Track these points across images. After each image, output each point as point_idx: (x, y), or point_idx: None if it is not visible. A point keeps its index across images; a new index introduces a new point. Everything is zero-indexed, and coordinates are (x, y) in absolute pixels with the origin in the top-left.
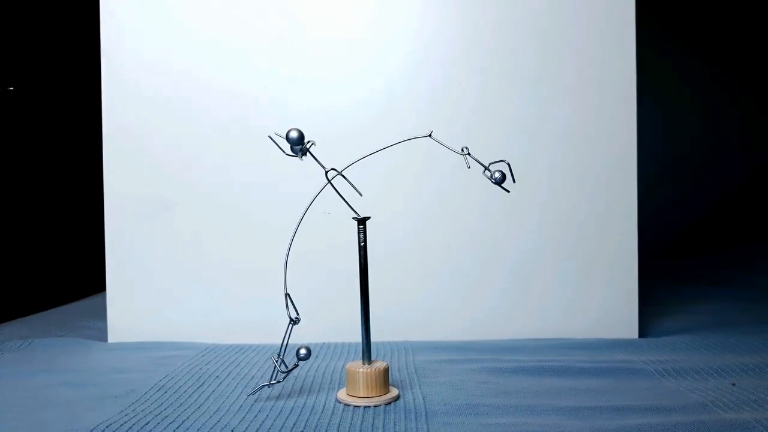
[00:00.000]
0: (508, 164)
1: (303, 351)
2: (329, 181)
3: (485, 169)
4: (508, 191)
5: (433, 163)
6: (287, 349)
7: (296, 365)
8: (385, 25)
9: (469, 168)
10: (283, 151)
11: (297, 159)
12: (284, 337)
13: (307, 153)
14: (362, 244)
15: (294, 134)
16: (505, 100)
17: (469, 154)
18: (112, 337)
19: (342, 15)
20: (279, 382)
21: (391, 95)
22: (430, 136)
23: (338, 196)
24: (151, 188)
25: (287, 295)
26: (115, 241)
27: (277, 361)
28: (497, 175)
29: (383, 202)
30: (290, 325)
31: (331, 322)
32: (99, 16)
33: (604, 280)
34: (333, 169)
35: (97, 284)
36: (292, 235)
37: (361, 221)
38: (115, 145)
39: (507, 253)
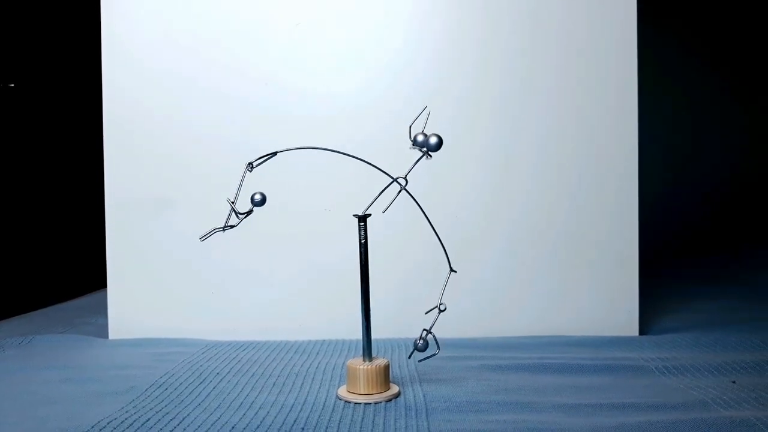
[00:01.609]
0: (438, 351)
1: (258, 196)
2: (396, 181)
3: (424, 331)
4: (409, 357)
5: (434, 161)
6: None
7: (251, 210)
8: (378, 20)
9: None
10: (413, 123)
11: (298, 153)
12: (240, 180)
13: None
14: (363, 241)
15: (434, 140)
16: (504, 98)
17: (442, 311)
18: (113, 333)
19: (345, 11)
20: (233, 226)
21: (385, 89)
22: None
23: (340, 192)
24: (152, 185)
25: (232, 200)
26: (116, 237)
27: (232, 204)
28: (420, 343)
29: (384, 199)
30: (246, 168)
31: (302, 323)
32: (100, 13)
33: (604, 277)
34: (404, 178)
35: (98, 281)
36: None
37: (362, 218)
38: (116, 142)
39: (508, 251)
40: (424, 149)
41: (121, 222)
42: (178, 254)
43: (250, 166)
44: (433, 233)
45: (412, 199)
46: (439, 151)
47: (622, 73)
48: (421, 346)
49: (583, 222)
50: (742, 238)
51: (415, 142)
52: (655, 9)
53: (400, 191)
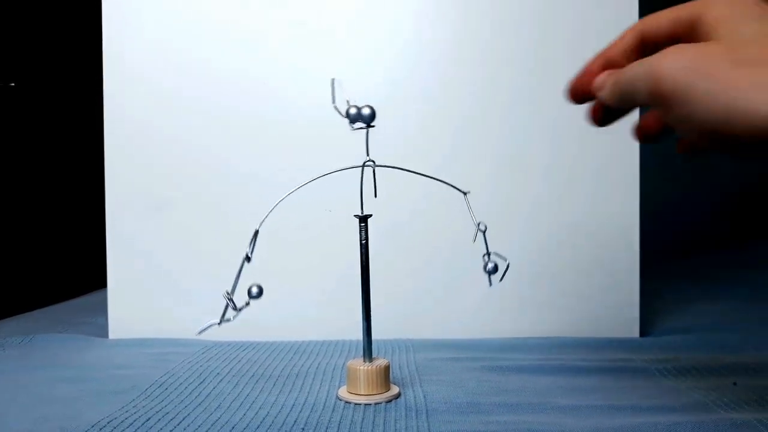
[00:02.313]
0: (508, 265)
1: (255, 289)
2: (363, 166)
3: (485, 254)
4: (490, 284)
5: (435, 160)
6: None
7: (247, 303)
8: (382, 20)
9: (473, 242)
10: (333, 101)
11: (299, 152)
12: (237, 274)
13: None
14: (363, 241)
15: (367, 111)
16: (504, 97)
17: (484, 232)
18: (113, 333)
19: (341, 8)
20: (229, 320)
21: (389, 91)
22: (465, 194)
23: (341, 192)
24: (152, 185)
25: (257, 231)
26: (117, 237)
27: (228, 299)
28: (491, 265)
29: (386, 199)
30: (243, 261)
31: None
32: (101, 11)
33: (605, 278)
34: (371, 160)
35: (98, 280)
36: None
37: (363, 219)
38: (116, 141)
39: (508, 251)
40: (363, 123)
41: (121, 221)
42: (178, 254)
43: (248, 259)
44: (428, 179)
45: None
46: (446, 151)
47: None
48: (492, 268)
49: (583, 222)
50: (745, 239)
51: (350, 118)
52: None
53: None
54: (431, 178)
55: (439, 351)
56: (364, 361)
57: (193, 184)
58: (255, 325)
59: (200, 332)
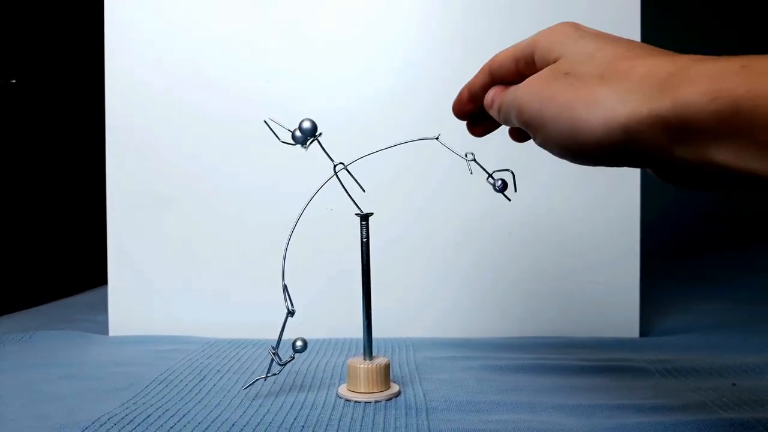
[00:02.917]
0: (512, 173)
1: (299, 343)
2: (336, 174)
3: (488, 177)
4: (509, 200)
5: (436, 160)
6: (283, 342)
7: (292, 357)
8: (389, 22)
9: (471, 173)
10: (277, 137)
11: (299, 151)
12: (281, 329)
13: (313, 143)
14: (365, 240)
15: (307, 124)
16: None
17: (474, 160)
18: (113, 330)
19: (345, 10)
20: (275, 374)
21: (394, 93)
22: (437, 139)
23: (342, 191)
24: (153, 182)
25: (285, 286)
26: (117, 234)
27: (273, 354)
28: (499, 183)
29: (386, 198)
30: (287, 317)
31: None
32: (103, 8)
33: (605, 279)
34: (341, 163)
35: (99, 277)
36: (292, 227)
37: (364, 217)
38: (117, 137)
39: (508, 250)
40: (308, 137)
41: (122, 219)
42: (179, 251)
43: (291, 314)
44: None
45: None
46: (448, 152)
47: None
48: (501, 185)
49: (583, 222)
50: (744, 240)
51: (298, 141)
52: (657, 9)
53: (331, 176)
54: (398, 144)
55: (439, 350)
56: (365, 359)
57: (193, 182)
58: (254, 323)
59: (246, 387)
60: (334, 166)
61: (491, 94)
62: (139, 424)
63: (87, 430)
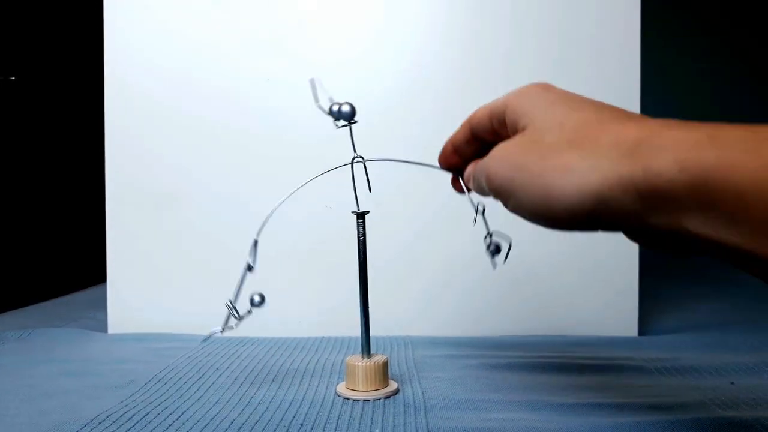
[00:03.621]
0: (510, 244)
1: (257, 298)
2: (351, 164)
3: (487, 235)
4: (494, 267)
5: (436, 158)
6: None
7: (249, 312)
8: (396, 24)
9: (474, 224)
10: (315, 100)
11: (298, 151)
12: (239, 282)
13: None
14: (361, 237)
15: (347, 108)
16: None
17: (483, 213)
18: (113, 328)
19: (351, 13)
20: (232, 328)
21: (401, 94)
22: (476, 207)
23: (341, 189)
24: (153, 179)
25: (256, 242)
26: (116, 231)
27: (230, 308)
28: (492, 247)
29: (385, 196)
30: (245, 271)
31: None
32: (102, 5)
33: (604, 277)
34: (360, 156)
35: (98, 275)
36: (282, 200)
37: (361, 215)
38: (117, 135)
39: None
40: (344, 120)
41: (121, 216)
42: (178, 249)
43: (250, 268)
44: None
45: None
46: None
47: (625, 67)
48: (494, 249)
49: None
50: None
51: (333, 115)
52: (657, 12)
53: (342, 165)
54: (420, 164)
55: (438, 348)
56: (363, 357)
57: (192, 180)
58: (254, 321)
59: (204, 340)
60: (353, 158)
61: (468, 169)
62: (138, 422)
63: (86, 427)
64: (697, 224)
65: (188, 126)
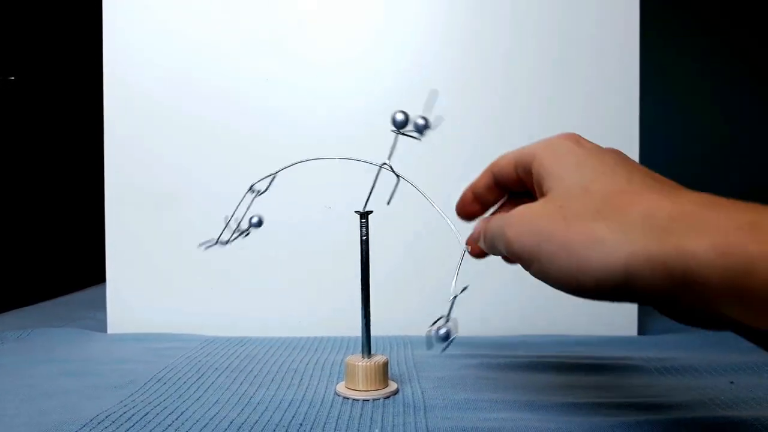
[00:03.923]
0: (452, 339)
1: (255, 219)
2: (379, 168)
3: (445, 317)
4: (428, 348)
5: (435, 158)
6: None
7: (248, 231)
8: (396, 25)
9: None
10: (429, 109)
11: (297, 152)
12: (240, 200)
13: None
14: (364, 238)
15: (400, 116)
16: (504, 95)
17: (462, 291)
18: (112, 328)
19: (351, 14)
20: (229, 241)
21: (401, 95)
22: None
23: (341, 189)
24: (152, 179)
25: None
26: (116, 231)
27: (228, 221)
28: (443, 330)
29: (385, 195)
30: (248, 192)
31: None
32: (101, 5)
33: None
34: (385, 163)
35: (98, 275)
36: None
37: (364, 215)
38: (116, 135)
39: None
40: (417, 132)
41: (120, 216)
42: (177, 249)
43: (256, 192)
44: (436, 211)
45: (409, 183)
46: (439, 154)
47: (624, 67)
48: (444, 334)
49: None
50: None
51: (417, 128)
52: (657, 12)
53: (397, 183)
54: (433, 205)
55: (438, 348)
56: (363, 357)
57: (192, 180)
58: (254, 321)
59: (202, 245)
60: (383, 164)
61: (478, 227)
62: (137, 422)
63: (85, 427)
64: (733, 310)
65: (188, 126)
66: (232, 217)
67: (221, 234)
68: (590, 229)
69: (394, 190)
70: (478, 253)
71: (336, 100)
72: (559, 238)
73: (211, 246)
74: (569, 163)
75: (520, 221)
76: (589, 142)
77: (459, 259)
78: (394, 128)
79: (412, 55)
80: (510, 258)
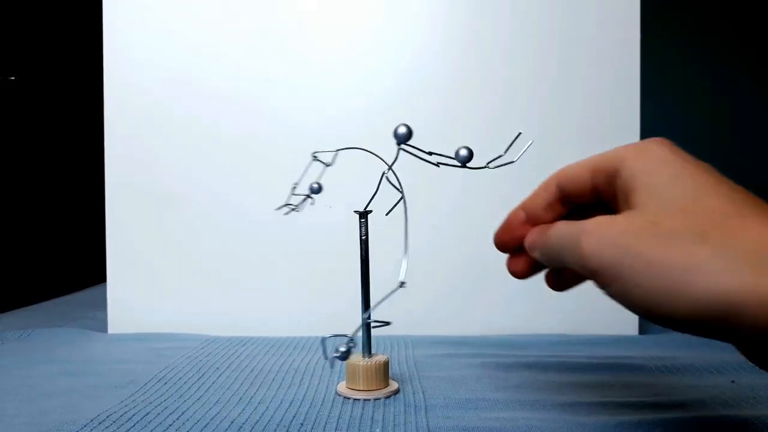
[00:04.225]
0: (345, 352)
1: (315, 185)
2: (382, 174)
3: (350, 336)
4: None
5: (434, 160)
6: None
7: (309, 196)
8: (396, 25)
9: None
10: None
11: (297, 152)
12: (306, 170)
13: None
14: (364, 237)
15: (403, 130)
16: (503, 95)
17: (367, 318)
18: (113, 328)
19: (351, 13)
20: (293, 208)
21: (401, 95)
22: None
23: (333, 186)
24: (152, 179)
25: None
26: (116, 231)
27: (294, 187)
28: (343, 348)
29: (385, 195)
30: (312, 161)
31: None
32: (102, 5)
33: None
34: (390, 168)
35: (98, 275)
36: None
37: (363, 215)
38: (116, 135)
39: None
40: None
41: (121, 216)
42: (178, 249)
43: (323, 164)
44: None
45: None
46: (447, 152)
47: (624, 68)
48: (343, 354)
49: None
50: None
51: (460, 160)
52: (657, 12)
53: (400, 199)
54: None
55: (439, 347)
56: (363, 356)
57: (192, 180)
58: (254, 321)
59: (280, 207)
60: (384, 173)
61: (533, 235)
62: (137, 422)
63: (86, 427)
64: None
65: (188, 126)
66: (296, 185)
67: (288, 199)
68: (691, 251)
69: (395, 205)
70: (522, 272)
71: (336, 100)
72: (648, 257)
73: (283, 209)
74: (666, 175)
75: (600, 232)
76: (681, 150)
77: (391, 291)
78: (399, 142)
79: (412, 55)
80: (585, 275)
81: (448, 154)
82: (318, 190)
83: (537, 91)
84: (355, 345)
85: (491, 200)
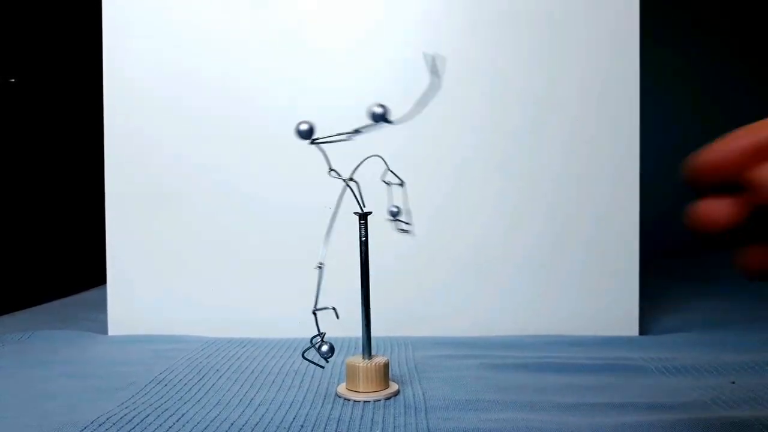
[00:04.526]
0: (328, 347)
1: (394, 208)
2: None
3: (320, 335)
4: (314, 362)
5: (436, 158)
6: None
7: (399, 220)
8: (395, 21)
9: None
10: (437, 74)
11: (296, 153)
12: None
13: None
14: (363, 239)
15: (304, 127)
16: (503, 94)
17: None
18: (113, 329)
19: (351, 11)
20: (407, 225)
21: (399, 92)
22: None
23: (332, 186)
24: (152, 181)
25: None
26: (116, 233)
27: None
28: (325, 347)
29: (385, 196)
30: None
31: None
32: (101, 8)
33: (605, 277)
34: (352, 179)
35: (98, 277)
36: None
37: (363, 216)
38: (116, 137)
39: (508, 250)
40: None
41: (121, 218)
42: (178, 251)
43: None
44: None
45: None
46: (440, 154)
47: (624, 70)
48: (327, 350)
49: (583, 221)
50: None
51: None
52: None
53: (399, 213)
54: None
55: (438, 348)
56: (363, 358)
57: (192, 182)
58: (254, 322)
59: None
60: (347, 180)
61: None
62: (138, 424)
63: (86, 429)
64: None
65: (188, 127)
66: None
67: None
68: None
69: (397, 216)
70: (727, 221)
71: (336, 98)
72: None
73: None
74: None
75: None
76: None
77: (318, 278)
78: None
79: (412, 54)
80: None
81: (444, 151)
82: (398, 213)
83: (536, 91)
84: (324, 334)
85: (491, 203)
